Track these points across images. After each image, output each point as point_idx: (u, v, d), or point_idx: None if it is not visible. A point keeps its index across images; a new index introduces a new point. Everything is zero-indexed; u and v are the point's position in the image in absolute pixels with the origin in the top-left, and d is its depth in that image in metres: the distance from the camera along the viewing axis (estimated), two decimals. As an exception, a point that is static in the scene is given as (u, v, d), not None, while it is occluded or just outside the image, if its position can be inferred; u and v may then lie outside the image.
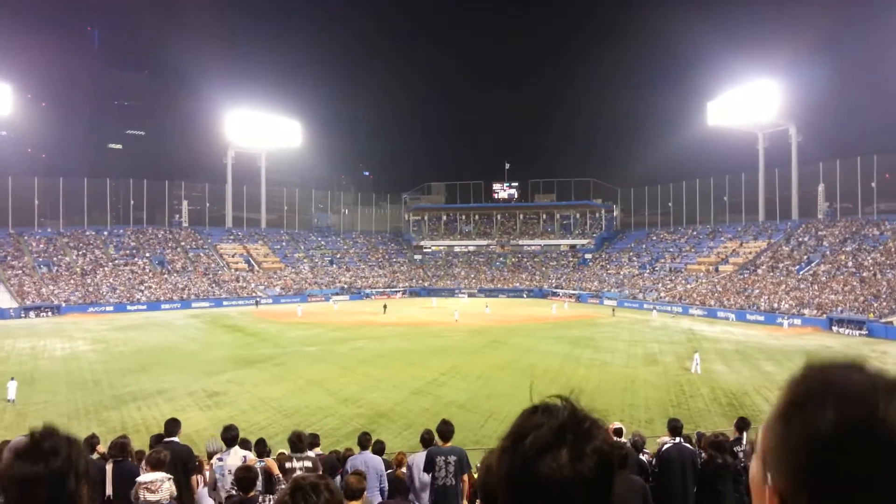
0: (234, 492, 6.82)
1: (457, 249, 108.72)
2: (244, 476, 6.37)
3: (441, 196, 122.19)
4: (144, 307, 69.70)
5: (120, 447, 8.22)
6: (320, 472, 8.17)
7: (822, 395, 0.90)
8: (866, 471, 0.82)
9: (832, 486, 0.84)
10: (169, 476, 5.87)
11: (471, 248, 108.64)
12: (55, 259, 75.65)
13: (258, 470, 6.85)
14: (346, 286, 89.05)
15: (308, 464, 7.96)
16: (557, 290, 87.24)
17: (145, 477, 5.65)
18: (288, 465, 7.86)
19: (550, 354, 39.12)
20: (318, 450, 9.70)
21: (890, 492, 0.80)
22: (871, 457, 0.82)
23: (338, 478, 9.41)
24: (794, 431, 0.90)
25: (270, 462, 7.62)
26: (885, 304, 51.59)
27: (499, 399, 26.75)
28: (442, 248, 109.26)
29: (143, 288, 74.15)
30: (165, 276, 78.61)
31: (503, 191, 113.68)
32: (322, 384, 30.39)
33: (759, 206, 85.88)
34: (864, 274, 58.98)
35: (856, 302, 53.63)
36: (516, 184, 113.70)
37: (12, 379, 27.01)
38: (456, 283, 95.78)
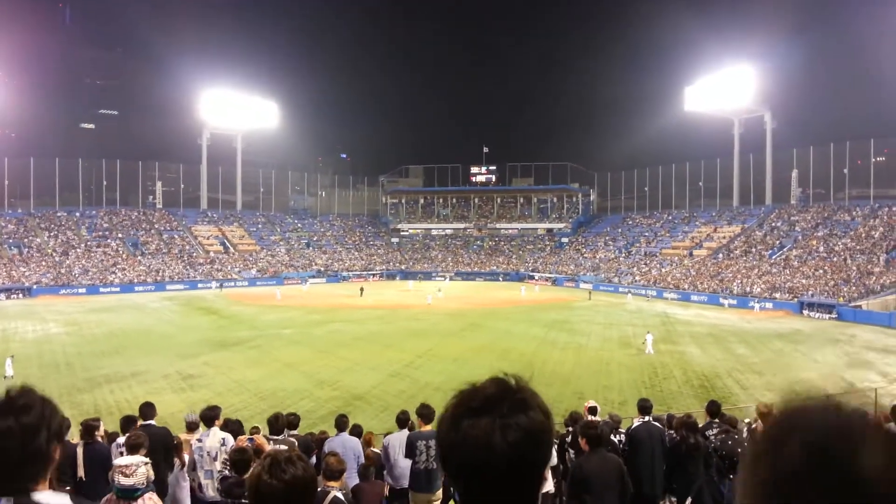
0: (227, 472, 6.81)
1: (434, 232, 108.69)
2: (239, 458, 6.37)
3: (419, 179, 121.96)
4: (117, 289, 68.93)
5: (87, 429, 8.17)
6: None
7: (794, 433, 0.92)
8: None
9: None
10: (146, 460, 5.83)
11: (448, 232, 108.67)
12: (26, 240, 74.43)
13: (251, 450, 6.84)
14: (322, 269, 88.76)
15: (284, 447, 7.96)
16: (534, 274, 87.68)
17: (121, 460, 5.62)
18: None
19: (527, 337, 39.38)
20: (294, 431, 9.69)
21: None
22: (832, 491, 0.84)
23: (313, 459, 9.45)
24: (763, 465, 0.93)
25: (260, 440, 7.62)
26: (854, 288, 52.52)
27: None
28: (419, 231, 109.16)
29: (115, 270, 73.26)
30: (139, 257, 77.75)
31: (481, 174, 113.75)
32: (298, 367, 30.36)
33: (734, 191, 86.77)
34: (835, 259, 59.96)
35: (826, 286, 54.53)
36: (494, 167, 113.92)
37: (11, 356, 27.55)
38: (433, 266, 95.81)
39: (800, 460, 0.88)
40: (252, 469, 2.69)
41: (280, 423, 8.43)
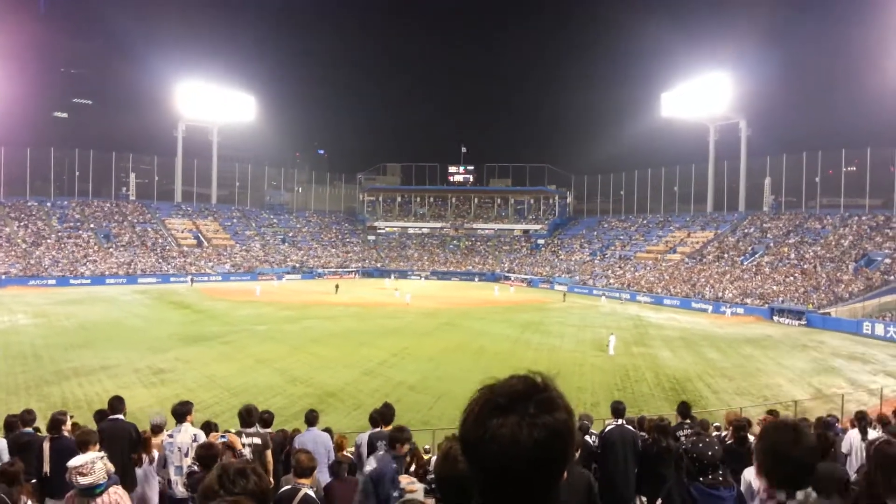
0: (195, 468, 6.73)
1: (411, 231, 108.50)
2: (206, 454, 6.30)
3: (396, 177, 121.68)
4: (88, 282, 67.94)
5: (53, 423, 8.04)
6: (269, 449, 8.13)
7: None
8: None
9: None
10: (101, 454, 5.72)
11: (425, 231, 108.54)
12: (-6, 230, 73.05)
13: (220, 447, 6.76)
14: (297, 265, 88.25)
15: (257, 440, 7.89)
16: (509, 275, 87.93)
17: (75, 461, 5.50)
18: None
19: (501, 338, 39.47)
20: (267, 430, 9.59)
21: None
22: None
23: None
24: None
25: (233, 437, 7.54)
26: (823, 295, 53.37)
27: (449, 381, 26.92)
28: (396, 229, 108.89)
29: (87, 262, 72.20)
30: (111, 250, 76.65)
31: (459, 174, 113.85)
32: (271, 363, 30.15)
33: (708, 197, 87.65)
34: (805, 266, 60.84)
35: (796, 293, 55.34)
36: (472, 167, 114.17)
37: None
38: (409, 264, 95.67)
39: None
40: (205, 481, 2.63)
41: (253, 417, 8.33)
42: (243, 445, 7.69)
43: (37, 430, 9.10)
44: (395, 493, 5.75)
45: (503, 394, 1.29)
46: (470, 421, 1.30)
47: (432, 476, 6.58)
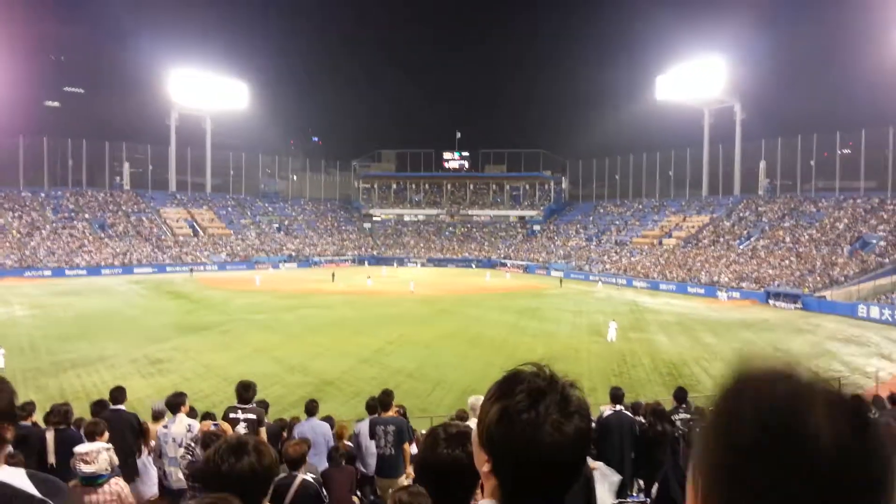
0: (194, 457, 6.73)
1: (406, 218, 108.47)
2: (208, 443, 6.29)
3: (391, 164, 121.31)
4: (84, 272, 67.84)
5: (62, 414, 8.07)
6: (263, 426, 8.12)
7: (746, 405, 0.86)
8: (785, 478, 0.78)
9: (750, 494, 0.81)
10: (107, 446, 5.74)
11: (420, 218, 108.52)
12: (-12, 221, 72.79)
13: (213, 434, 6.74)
14: (293, 253, 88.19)
15: (252, 416, 7.88)
16: (506, 261, 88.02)
17: (81, 448, 5.52)
18: (232, 415, 7.77)
19: (498, 324, 39.51)
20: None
21: (808, 499, 0.77)
22: (790, 465, 0.79)
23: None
24: (718, 441, 0.88)
25: (225, 425, 7.54)
26: (819, 278, 53.52)
27: (446, 368, 27.00)
28: (392, 216, 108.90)
29: (82, 252, 72.04)
30: (106, 240, 76.45)
31: (454, 160, 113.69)
32: (268, 352, 30.18)
33: (703, 181, 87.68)
34: (801, 249, 60.99)
35: (792, 276, 55.49)
36: (467, 154, 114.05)
37: (2, 350, 25.98)
38: (405, 252, 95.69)
39: (752, 438, 0.83)
40: (205, 454, 2.63)
41: (251, 393, 8.25)
42: (238, 422, 7.68)
43: (34, 424, 9.11)
44: None
45: (527, 391, 1.26)
46: (501, 423, 1.24)
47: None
